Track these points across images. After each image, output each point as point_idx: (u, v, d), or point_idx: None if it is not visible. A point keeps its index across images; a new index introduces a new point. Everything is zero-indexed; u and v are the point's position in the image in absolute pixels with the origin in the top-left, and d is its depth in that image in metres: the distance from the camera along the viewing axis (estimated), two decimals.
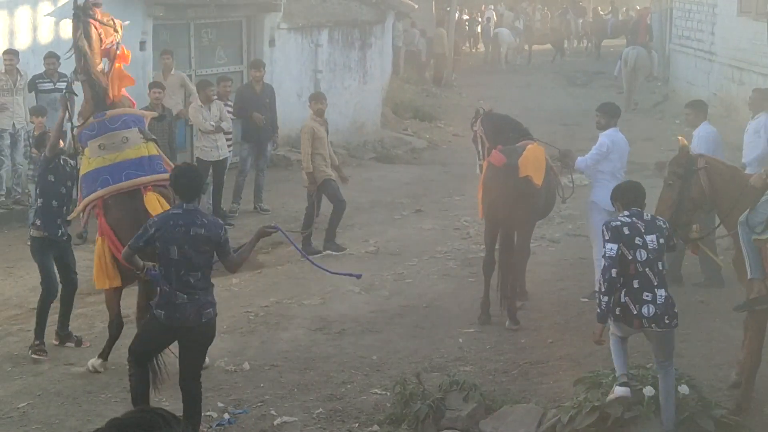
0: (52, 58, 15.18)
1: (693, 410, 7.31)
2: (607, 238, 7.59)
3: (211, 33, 18.95)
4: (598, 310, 7.69)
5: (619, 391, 7.66)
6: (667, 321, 7.54)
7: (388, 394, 8.90)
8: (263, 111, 16.39)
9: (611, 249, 7.50)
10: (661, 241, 7.63)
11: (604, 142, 11.24)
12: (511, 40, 39.29)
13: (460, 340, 10.52)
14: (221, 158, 15.57)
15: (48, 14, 16.14)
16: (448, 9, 36.71)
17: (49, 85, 15.42)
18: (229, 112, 15.85)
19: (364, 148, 22.00)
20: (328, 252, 13.93)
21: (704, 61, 26.57)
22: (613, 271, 7.47)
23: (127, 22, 16.92)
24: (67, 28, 13.48)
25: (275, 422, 8.58)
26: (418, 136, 24.27)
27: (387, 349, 10.31)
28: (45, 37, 16.20)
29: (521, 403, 8.56)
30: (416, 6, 27.00)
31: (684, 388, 7.44)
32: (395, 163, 21.64)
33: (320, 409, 8.81)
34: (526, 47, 41.19)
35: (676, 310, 7.64)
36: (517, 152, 10.93)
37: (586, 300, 11.24)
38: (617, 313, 7.63)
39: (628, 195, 7.88)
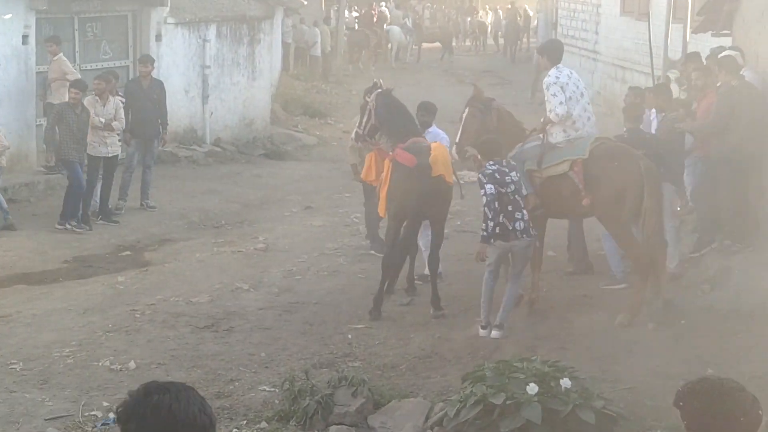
0: None
1: (575, 402, 7.44)
2: (485, 181, 9.81)
3: (96, 27, 18.60)
4: (484, 234, 9.81)
5: (482, 333, 10.12)
6: (532, 232, 10.04)
7: (277, 390, 8.86)
8: (150, 106, 16.18)
9: (490, 188, 9.76)
10: (519, 174, 10.11)
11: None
12: (401, 38, 39.49)
13: (350, 336, 10.54)
14: (111, 155, 15.33)
15: None
16: (336, 8, 36.82)
17: None
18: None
19: (254, 144, 21.88)
20: None
21: (589, 60, 27.08)
22: (496, 204, 9.73)
23: (8, 16, 16.61)
24: None
25: None
26: (308, 133, 24.24)
27: (276, 345, 10.27)
28: None
29: (409, 398, 8.62)
30: (305, 2, 26.97)
31: (566, 381, 7.56)
32: (285, 159, 21.58)
33: None
34: (415, 46, 41.44)
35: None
36: (424, 151, 10.94)
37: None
38: (497, 231, 9.77)
39: (490, 147, 10.16)
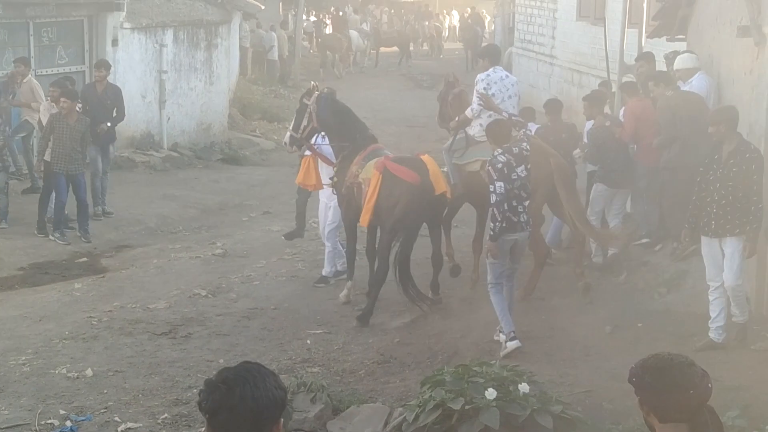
0: None
1: (533, 407, 7.47)
2: (495, 177, 9.59)
3: (52, 32, 18.46)
4: (491, 233, 9.73)
5: (511, 345, 9.61)
6: (531, 223, 10.03)
7: None
8: (104, 111, 16.05)
9: (500, 187, 9.59)
10: (528, 167, 9.82)
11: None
12: (359, 42, 39.53)
13: (308, 342, 10.52)
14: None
15: None
16: (294, 12, 36.80)
17: None
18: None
19: (212, 149, 21.81)
20: None
21: (545, 64, 27.23)
22: (505, 205, 9.63)
23: None
24: None
25: (119, 429, 8.40)
26: (266, 138, 24.21)
27: (234, 352, 10.22)
28: None
29: (368, 403, 8.61)
30: (262, 7, 26.90)
31: (524, 386, 7.60)
32: (243, 164, 21.54)
33: (165, 414, 8.66)
34: (373, 50, 41.48)
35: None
36: (418, 166, 10.98)
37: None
38: (503, 225, 9.63)
39: (499, 131, 9.89)
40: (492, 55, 12.01)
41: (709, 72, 11.90)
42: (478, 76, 11.82)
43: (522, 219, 9.83)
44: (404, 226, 11.00)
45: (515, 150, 9.80)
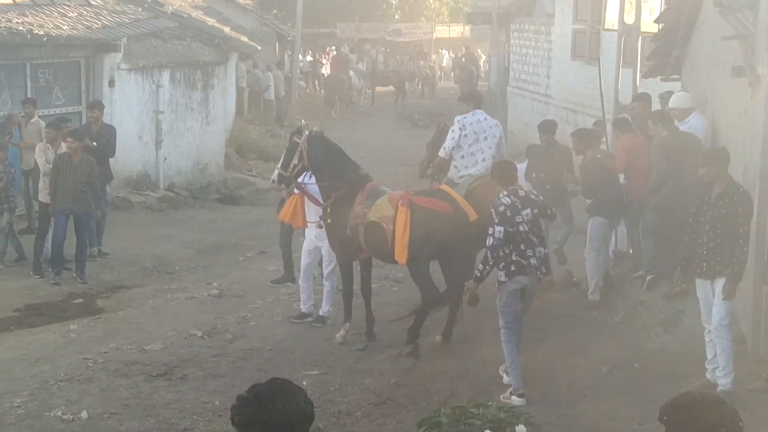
0: None
1: None
2: (496, 221, 9.38)
3: (49, 73, 18.55)
4: (478, 274, 9.59)
5: (517, 401, 9.27)
6: (544, 269, 9.68)
7: None
8: (100, 152, 16.01)
9: (499, 231, 9.38)
10: (535, 211, 9.57)
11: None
12: (355, 81, 39.70)
13: (305, 383, 10.44)
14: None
15: None
16: (290, 52, 36.97)
17: None
18: None
19: (208, 189, 21.84)
20: None
21: (541, 103, 27.35)
22: (499, 251, 9.44)
23: None
24: None
25: None
26: (263, 177, 24.21)
27: (230, 393, 10.15)
28: None
29: None
30: (259, 47, 27.04)
31: (521, 428, 7.57)
32: (239, 204, 21.56)
33: None
34: (369, 90, 41.66)
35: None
36: (444, 196, 11.09)
37: None
38: (512, 269, 9.46)
39: (505, 173, 9.78)
40: (474, 100, 12.54)
41: (704, 112, 11.96)
42: (456, 117, 12.30)
43: (532, 263, 9.52)
44: (441, 254, 11.07)
45: (521, 193, 9.66)
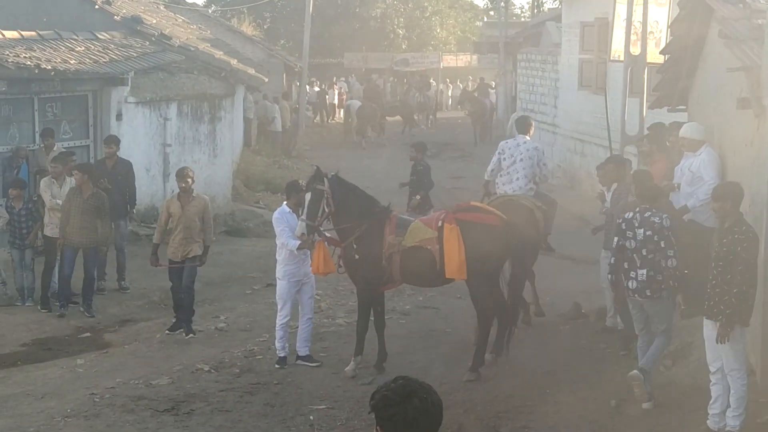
0: None
1: None
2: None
3: (56, 107, 18.58)
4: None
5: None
6: (648, 293, 9.75)
7: None
8: (116, 186, 16.06)
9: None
10: (648, 233, 9.73)
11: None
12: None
13: (311, 417, 10.44)
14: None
15: None
16: (298, 83, 37.10)
17: None
18: None
19: (215, 221, 21.73)
20: None
21: (548, 133, 27.38)
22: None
23: None
24: None
25: None
26: (270, 209, 24.19)
27: (237, 428, 10.15)
28: None
29: None
30: (266, 79, 27.15)
31: None
32: (247, 236, 21.55)
33: None
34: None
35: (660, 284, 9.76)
36: (486, 210, 11.59)
37: None
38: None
39: (647, 192, 10.14)
40: (520, 126, 14.26)
41: (710, 143, 11.94)
42: (500, 142, 14.28)
43: (630, 285, 9.84)
44: (506, 266, 11.78)
45: (647, 214, 9.87)
